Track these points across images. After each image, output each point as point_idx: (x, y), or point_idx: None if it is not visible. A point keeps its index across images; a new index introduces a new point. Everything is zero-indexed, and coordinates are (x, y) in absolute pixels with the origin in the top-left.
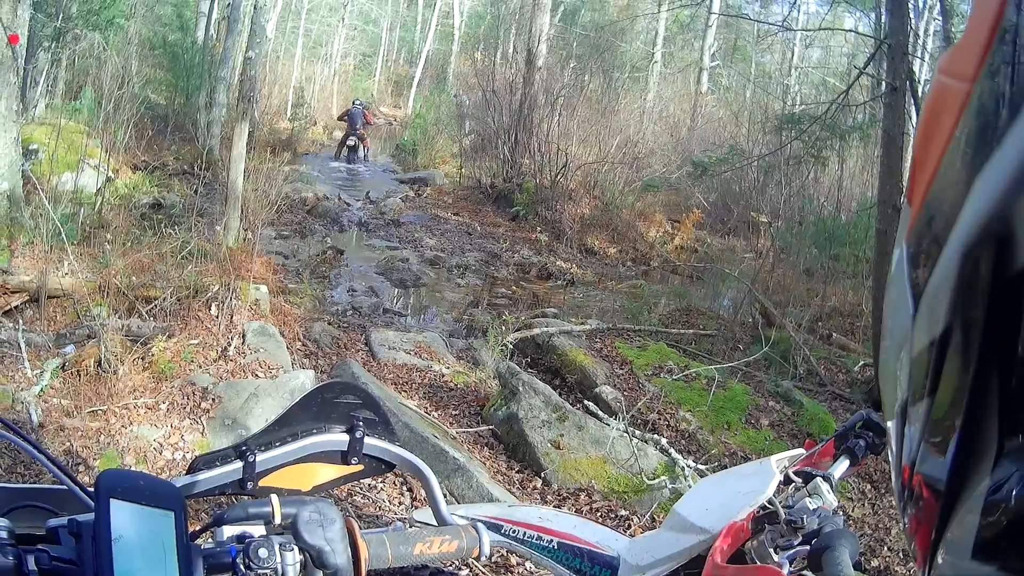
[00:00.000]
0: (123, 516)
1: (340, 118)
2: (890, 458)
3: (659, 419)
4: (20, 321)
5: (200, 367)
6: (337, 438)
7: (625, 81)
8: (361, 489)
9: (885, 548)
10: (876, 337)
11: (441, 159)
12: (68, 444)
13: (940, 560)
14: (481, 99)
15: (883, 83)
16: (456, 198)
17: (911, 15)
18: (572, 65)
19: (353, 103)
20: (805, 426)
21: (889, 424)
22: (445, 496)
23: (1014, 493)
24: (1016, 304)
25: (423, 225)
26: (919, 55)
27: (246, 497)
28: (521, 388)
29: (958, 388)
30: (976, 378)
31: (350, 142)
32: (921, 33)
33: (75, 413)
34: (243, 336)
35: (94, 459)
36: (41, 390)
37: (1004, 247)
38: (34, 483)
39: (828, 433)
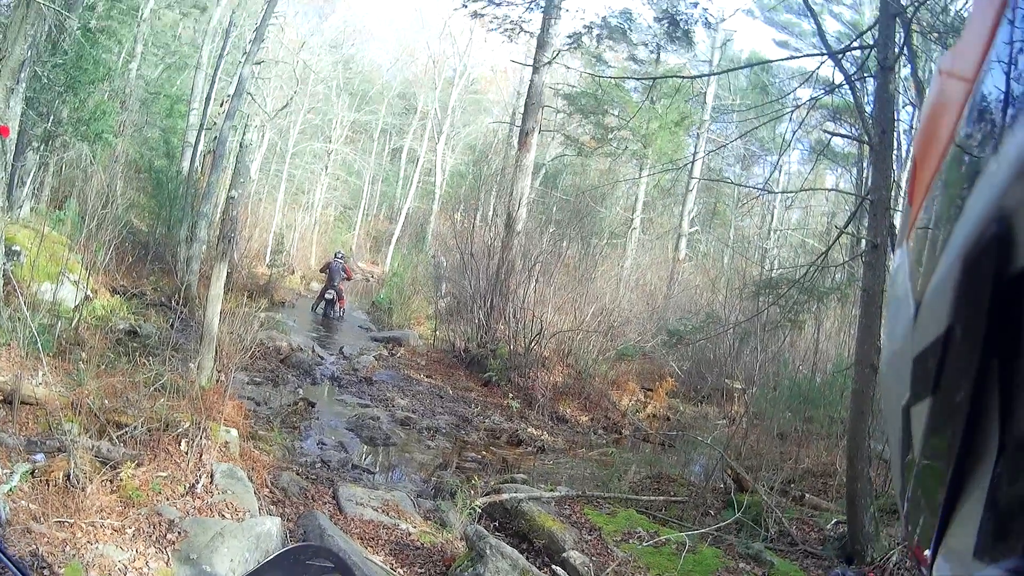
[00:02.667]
0: None
1: (321, 270)
2: (891, 461)
3: None
4: None
5: (167, 499)
6: None
7: (603, 248)
8: None
9: None
10: (850, 495)
11: (416, 319)
12: (34, 547)
13: (941, 561)
14: (459, 261)
15: (863, 241)
16: (429, 360)
17: (894, 167)
18: (551, 230)
19: (335, 256)
20: None
21: (890, 425)
22: None
23: (1016, 492)
24: (1017, 304)
25: (395, 385)
26: (901, 209)
27: None
28: (488, 551)
29: (960, 387)
30: (978, 377)
31: (328, 295)
32: (903, 185)
33: (42, 519)
34: (211, 476)
35: (59, 566)
36: (11, 490)
37: (1005, 247)
38: None
39: None
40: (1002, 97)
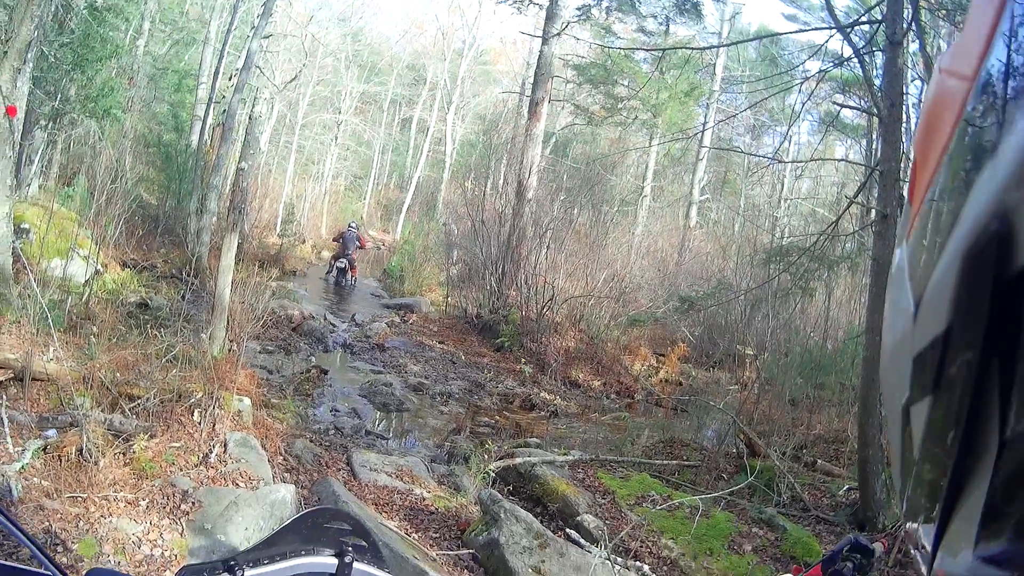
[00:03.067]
0: None
1: (335, 239)
2: (891, 457)
3: (641, 547)
4: (3, 397)
5: (181, 470)
6: (326, 560)
7: (614, 215)
8: None
9: None
10: (862, 461)
11: (428, 286)
12: (47, 524)
13: (942, 559)
14: (470, 229)
15: (873, 211)
16: (441, 326)
17: (903, 139)
18: (562, 198)
19: (348, 226)
20: (789, 550)
21: (891, 424)
22: None
23: (1015, 490)
24: (1017, 302)
25: (408, 351)
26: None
27: None
28: (503, 515)
29: (960, 386)
30: (977, 377)
31: (340, 264)
32: (912, 156)
33: (55, 495)
34: (225, 445)
35: (73, 542)
36: (22, 467)
37: (1005, 246)
38: (11, 554)
39: (812, 555)
40: (1001, 96)
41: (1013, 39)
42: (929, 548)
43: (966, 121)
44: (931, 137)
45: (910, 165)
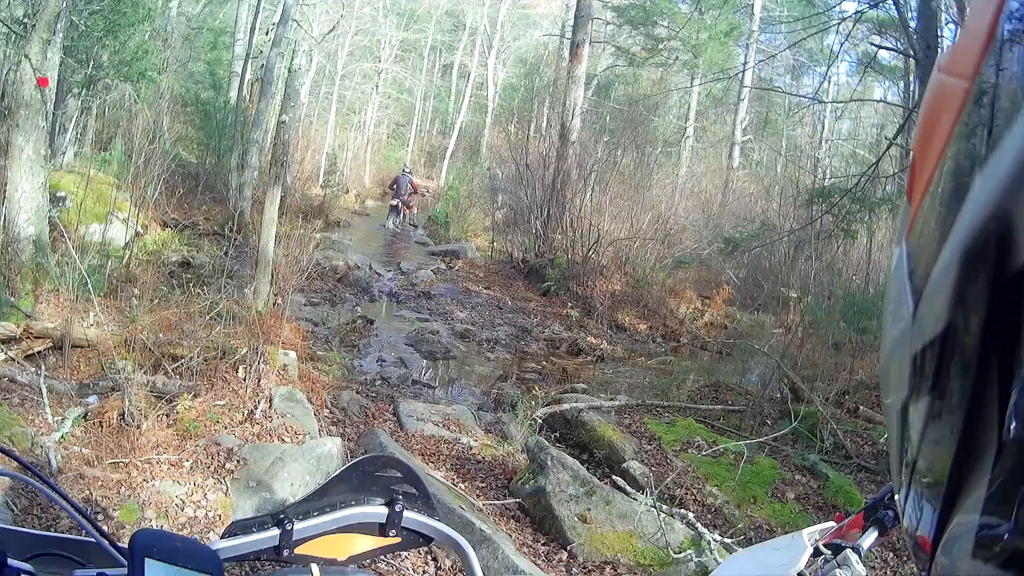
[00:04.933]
0: None
1: (389, 186)
2: (890, 456)
3: (686, 494)
4: (43, 367)
5: (226, 428)
6: (376, 510)
7: (658, 156)
8: (385, 556)
9: None
10: None
11: (473, 232)
12: (88, 492)
13: (940, 559)
14: (514, 172)
15: (912, 153)
16: (487, 272)
17: None
18: (605, 140)
19: (402, 171)
20: (831, 498)
21: (889, 423)
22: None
23: (1014, 491)
24: (1016, 302)
25: (454, 298)
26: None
27: (282, 565)
28: (549, 462)
29: (958, 386)
30: (976, 376)
31: (393, 202)
32: None
33: (96, 463)
34: (270, 400)
35: (114, 510)
36: (62, 436)
37: (1004, 245)
38: (50, 527)
39: (853, 504)
40: (1001, 95)
41: (1012, 38)
42: (928, 548)
43: (965, 120)
44: (930, 136)
45: (909, 163)
